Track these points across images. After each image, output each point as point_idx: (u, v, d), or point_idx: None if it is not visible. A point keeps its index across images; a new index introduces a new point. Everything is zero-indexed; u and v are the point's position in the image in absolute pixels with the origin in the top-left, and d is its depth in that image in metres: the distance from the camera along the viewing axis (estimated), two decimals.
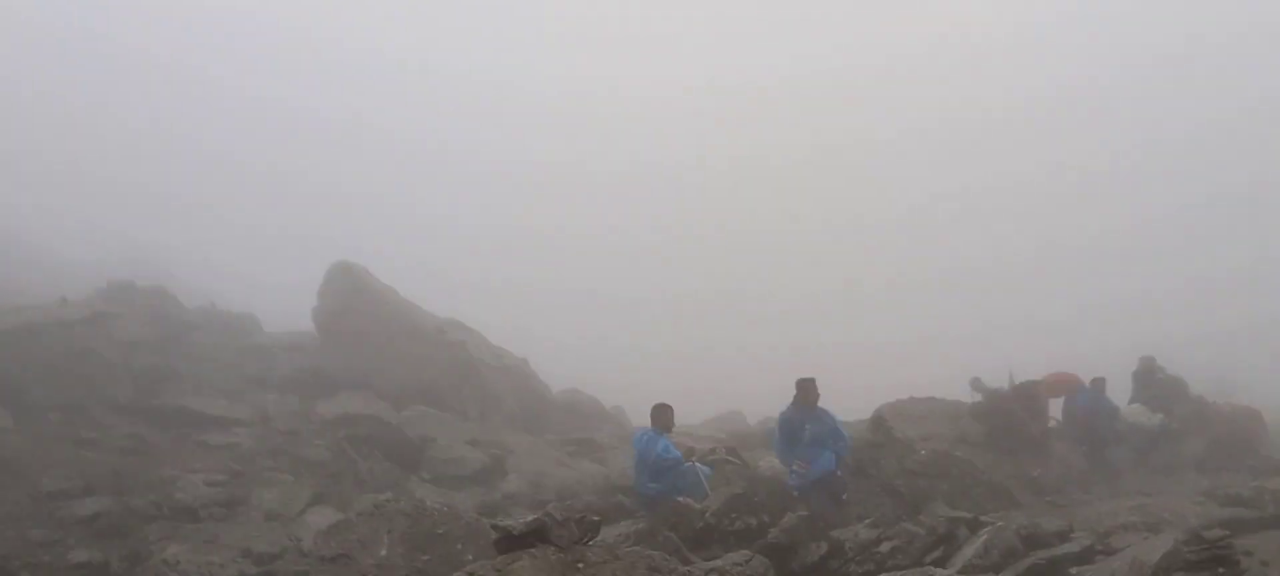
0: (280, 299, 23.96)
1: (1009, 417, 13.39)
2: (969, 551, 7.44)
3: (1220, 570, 5.43)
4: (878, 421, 11.60)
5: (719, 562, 6.59)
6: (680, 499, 9.15)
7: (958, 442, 13.10)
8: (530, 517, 5.88)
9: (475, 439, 15.37)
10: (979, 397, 14.39)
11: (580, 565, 5.48)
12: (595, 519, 6.03)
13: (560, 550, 5.53)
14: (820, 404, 10.57)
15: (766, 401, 16.08)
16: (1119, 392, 14.99)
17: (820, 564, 7.64)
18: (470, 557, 7.47)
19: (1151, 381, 15.53)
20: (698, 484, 9.83)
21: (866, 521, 8.11)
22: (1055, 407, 14.74)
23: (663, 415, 10.51)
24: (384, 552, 8.05)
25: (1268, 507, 8.51)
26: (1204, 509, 8.69)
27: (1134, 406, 14.72)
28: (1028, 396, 13.97)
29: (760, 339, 42.08)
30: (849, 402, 12.82)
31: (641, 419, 11.57)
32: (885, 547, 7.61)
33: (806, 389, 10.63)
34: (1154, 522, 8.19)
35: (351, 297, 19.44)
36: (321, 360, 18.25)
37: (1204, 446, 14.80)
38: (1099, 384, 14.60)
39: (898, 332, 42.70)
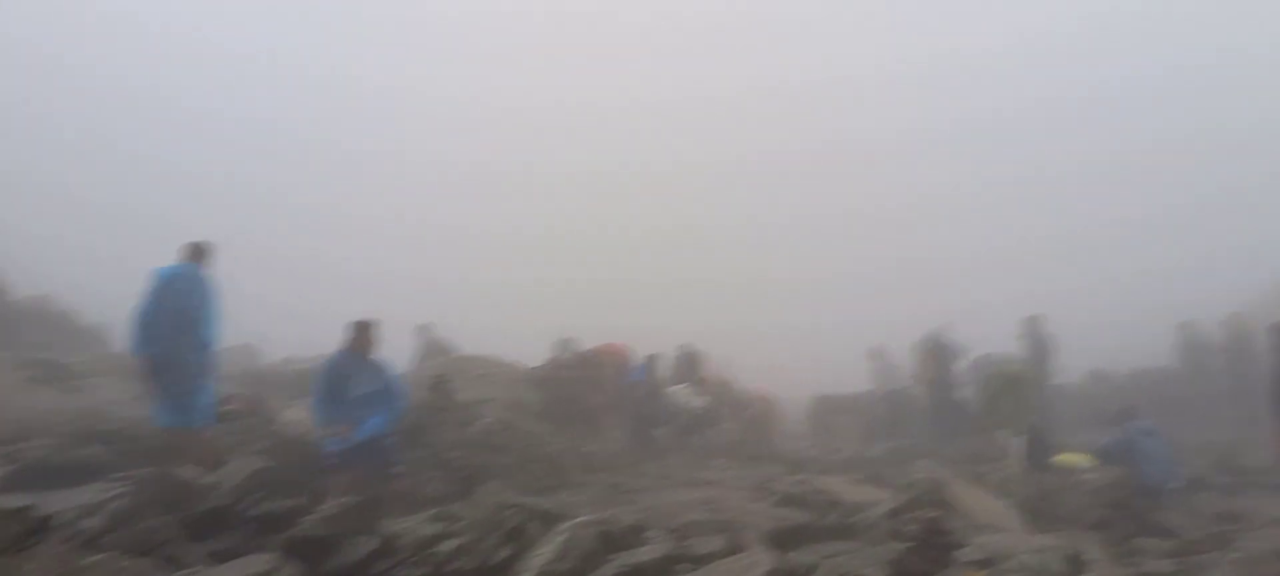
0: None
1: (570, 387, 12.72)
2: (546, 553, 6.28)
3: None
4: (440, 382, 10.15)
5: (228, 571, 4.74)
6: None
7: (515, 409, 12.17)
8: None
9: None
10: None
11: None
12: (39, 513, 3.91)
13: None
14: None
15: None
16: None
17: (365, 563, 6.02)
18: None
19: (695, 366, 15.87)
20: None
21: (429, 513, 6.63)
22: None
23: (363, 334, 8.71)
24: None
25: (822, 511, 8.40)
26: (766, 509, 8.40)
27: (681, 388, 14.83)
28: (590, 365, 13.46)
29: None
30: None
31: None
32: (447, 546, 6.19)
33: (362, 332, 8.86)
34: (724, 521, 7.65)
35: None
36: None
37: (737, 429, 15.41)
38: (653, 360, 14.52)
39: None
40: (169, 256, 8.53)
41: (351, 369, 8.72)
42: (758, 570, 5.79)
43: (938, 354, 16.19)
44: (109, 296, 14.39)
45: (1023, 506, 8.23)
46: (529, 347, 16.76)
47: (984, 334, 18.20)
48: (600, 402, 13.31)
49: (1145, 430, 9.80)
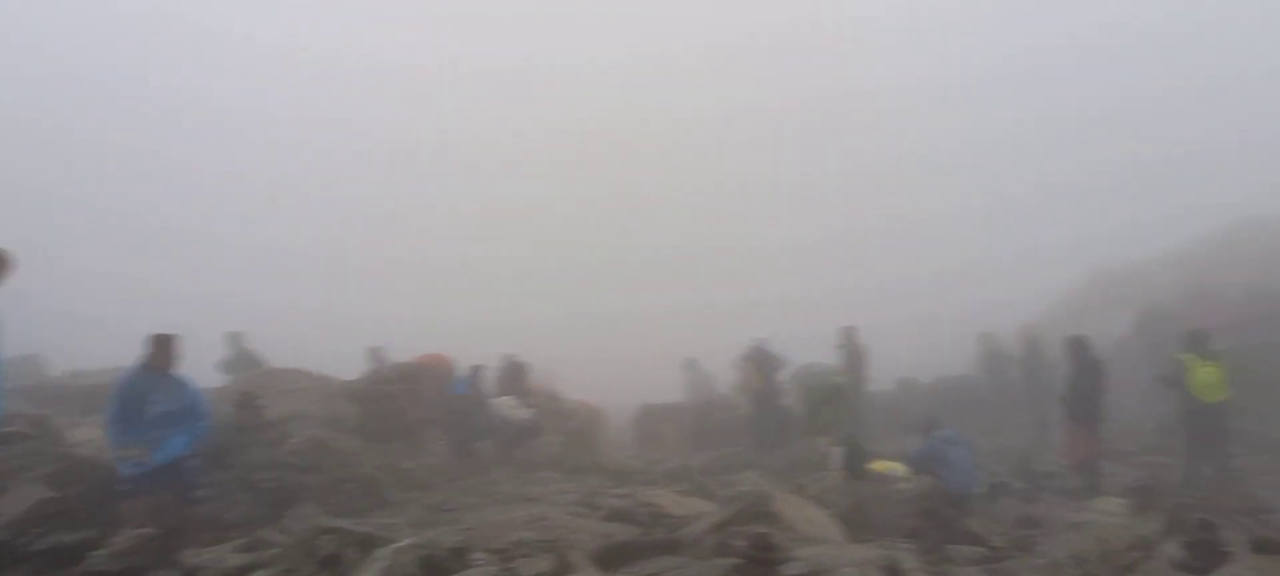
0: None
1: (389, 400, 12.29)
2: None
3: None
4: (247, 399, 9.56)
5: None
6: None
7: (329, 425, 11.66)
8: None
9: None
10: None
11: None
12: None
13: None
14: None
15: None
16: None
17: None
18: None
19: (520, 376, 15.70)
20: None
21: (236, 543, 6.21)
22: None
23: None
24: None
25: (649, 526, 8.42)
26: (593, 525, 8.34)
27: (506, 399, 14.61)
28: (409, 378, 13.05)
29: None
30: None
31: None
32: None
33: (163, 347, 8.23)
34: (551, 540, 7.54)
35: None
36: None
37: (562, 441, 15.32)
38: (477, 372, 14.25)
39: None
40: None
41: (150, 386, 8.09)
42: None
43: (760, 364, 16.56)
44: None
45: (842, 516, 8.50)
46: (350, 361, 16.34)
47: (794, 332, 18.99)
48: (421, 416, 12.93)
49: (950, 438, 10.33)
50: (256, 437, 9.10)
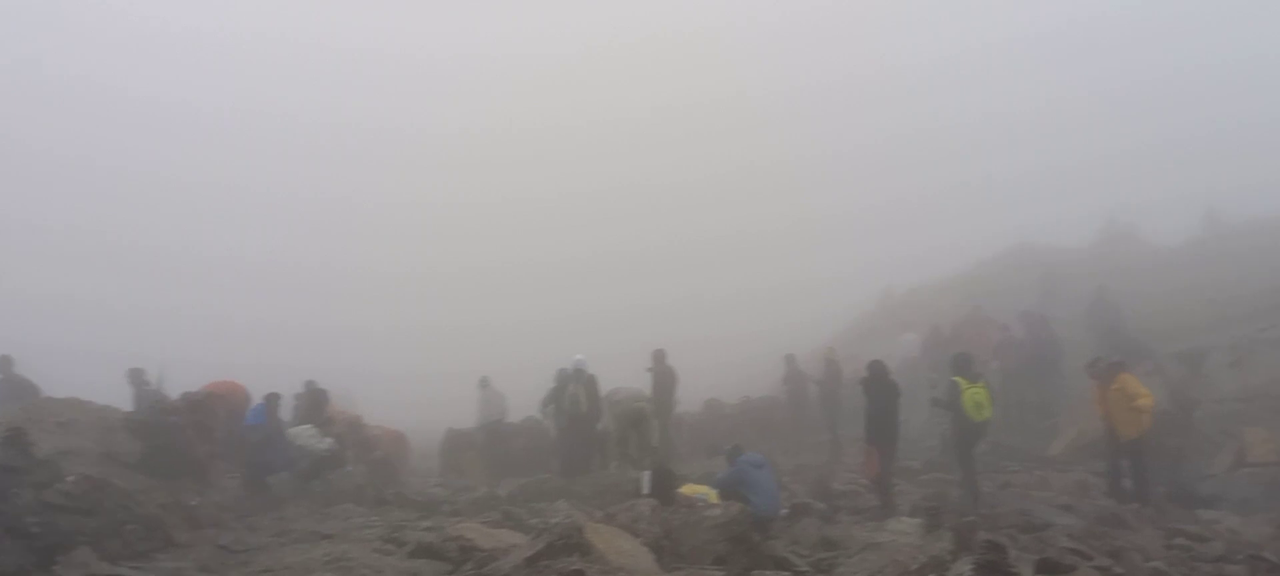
0: None
1: (174, 433, 11.50)
2: None
3: None
4: (15, 435, 8.70)
5: None
6: None
7: (107, 460, 10.82)
8: None
9: None
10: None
11: None
12: None
13: None
14: None
15: None
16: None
17: None
18: None
19: (320, 404, 15.08)
20: None
21: None
22: None
23: None
24: None
25: (458, 560, 8.28)
26: (397, 563, 8.12)
27: (304, 428, 13.98)
28: (196, 409, 12.25)
29: None
30: None
31: None
32: None
33: None
34: None
35: None
36: None
37: (363, 472, 14.80)
38: (273, 400, 13.55)
39: None
40: None
41: None
42: None
43: (587, 385, 16.16)
44: None
45: (653, 544, 8.61)
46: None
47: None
48: (210, 449, 12.17)
49: (755, 462, 10.68)
50: (25, 477, 8.31)
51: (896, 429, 11.89)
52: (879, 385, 11.90)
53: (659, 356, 17.05)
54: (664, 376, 16.94)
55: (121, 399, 14.23)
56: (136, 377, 15.05)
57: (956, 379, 12.40)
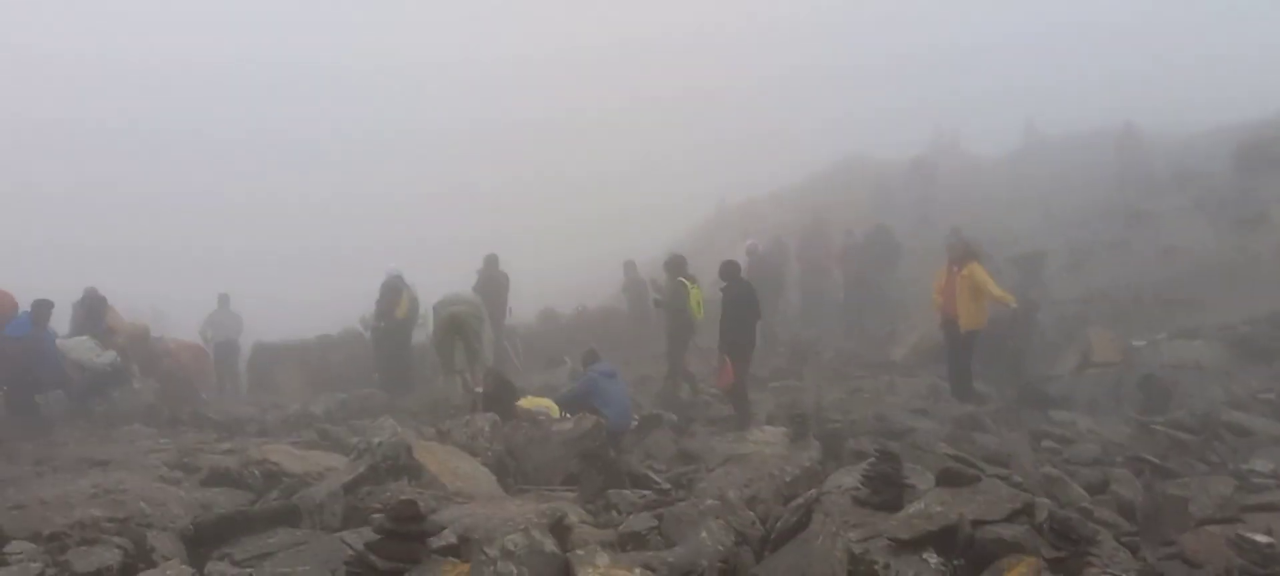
0: None
1: None
2: None
3: None
4: None
5: None
6: None
7: None
8: None
9: None
10: None
11: None
12: None
13: None
14: None
15: None
16: None
17: None
18: None
19: (100, 313, 13.11)
20: None
21: None
22: None
23: None
24: None
25: (261, 488, 7.04)
26: (187, 493, 6.78)
27: (80, 340, 12.10)
28: None
29: None
30: None
31: None
32: None
33: None
34: (125, 518, 5.94)
35: None
36: None
37: (154, 390, 13.08)
38: (41, 307, 11.50)
39: None
40: None
41: None
42: None
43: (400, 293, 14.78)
44: None
45: (494, 464, 7.63)
46: None
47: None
48: None
49: (607, 371, 9.80)
50: None
51: (753, 334, 11.16)
52: (734, 288, 11.08)
53: (490, 261, 15.84)
54: (494, 280, 15.73)
55: None
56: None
57: (682, 280, 12.18)
